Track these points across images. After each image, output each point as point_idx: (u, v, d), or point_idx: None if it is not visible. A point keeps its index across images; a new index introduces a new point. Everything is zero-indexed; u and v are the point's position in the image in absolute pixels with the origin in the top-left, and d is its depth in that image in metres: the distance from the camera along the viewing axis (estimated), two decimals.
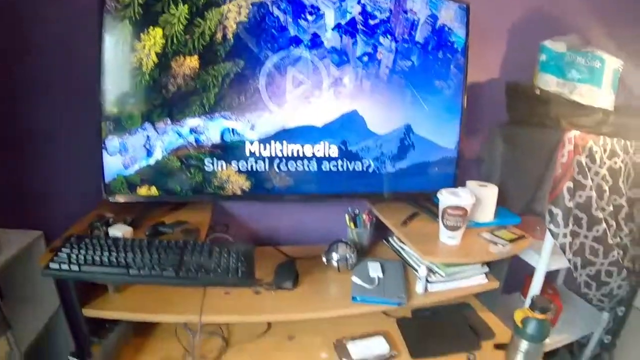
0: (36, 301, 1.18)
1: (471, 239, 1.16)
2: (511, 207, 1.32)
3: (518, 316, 1.02)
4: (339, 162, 1.19)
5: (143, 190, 1.14)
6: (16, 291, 1.19)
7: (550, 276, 1.75)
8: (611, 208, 1.37)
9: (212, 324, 1.11)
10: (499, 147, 1.37)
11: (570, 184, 1.24)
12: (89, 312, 0.98)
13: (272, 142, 1.15)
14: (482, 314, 1.23)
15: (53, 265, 0.88)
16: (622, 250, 1.46)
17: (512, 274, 1.31)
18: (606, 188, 1.32)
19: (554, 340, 1.47)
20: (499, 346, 1.12)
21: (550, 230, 1.26)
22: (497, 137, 1.38)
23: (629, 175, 1.44)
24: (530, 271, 1.33)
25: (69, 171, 1.24)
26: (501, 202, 1.29)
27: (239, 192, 1.17)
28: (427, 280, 1.11)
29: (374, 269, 1.16)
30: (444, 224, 1.11)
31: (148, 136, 1.10)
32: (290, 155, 1.17)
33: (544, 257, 1.27)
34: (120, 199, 1.13)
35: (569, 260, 1.34)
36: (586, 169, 1.26)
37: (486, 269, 1.20)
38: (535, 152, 1.32)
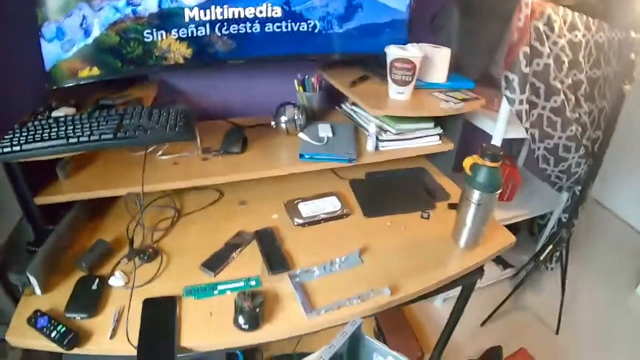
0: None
1: (422, 96, 1.15)
2: (468, 75, 1.29)
3: (467, 163, 0.96)
4: (283, 23, 1.14)
5: (84, 72, 1.10)
6: None
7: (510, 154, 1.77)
8: (570, 81, 1.36)
9: (165, 198, 1.10)
10: (455, 16, 1.33)
11: (527, 49, 1.22)
12: (40, 199, 0.96)
13: (212, 6, 1.09)
14: (438, 179, 1.22)
15: None
16: (580, 127, 1.47)
17: (468, 152, 1.30)
18: (565, 60, 1.31)
19: (514, 215, 1.50)
20: (452, 206, 1.11)
21: (506, 96, 1.25)
22: (453, 6, 1.34)
23: (591, 54, 1.42)
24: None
25: (12, 70, 1.17)
26: (457, 71, 1.26)
27: (181, 61, 1.13)
28: (377, 139, 1.10)
29: (324, 130, 1.14)
30: (392, 78, 1.08)
31: (84, 15, 1.05)
32: (231, 17, 1.11)
33: (500, 123, 1.27)
34: (63, 84, 1.09)
35: (527, 130, 1.34)
36: (544, 36, 1.23)
37: (439, 130, 1.19)
38: (492, 19, 1.29)
